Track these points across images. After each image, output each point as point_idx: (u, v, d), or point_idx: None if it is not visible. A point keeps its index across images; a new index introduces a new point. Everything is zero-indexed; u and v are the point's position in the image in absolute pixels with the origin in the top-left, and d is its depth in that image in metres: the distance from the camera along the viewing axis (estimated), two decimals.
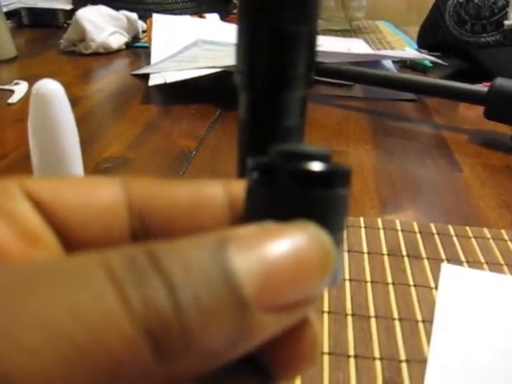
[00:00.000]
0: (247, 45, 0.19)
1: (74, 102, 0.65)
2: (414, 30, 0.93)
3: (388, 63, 0.84)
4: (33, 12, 1.09)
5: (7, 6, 1.06)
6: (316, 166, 0.12)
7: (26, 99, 0.66)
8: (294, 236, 0.11)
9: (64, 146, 0.31)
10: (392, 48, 1.00)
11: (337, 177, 0.12)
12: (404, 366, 0.28)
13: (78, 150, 0.33)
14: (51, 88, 0.30)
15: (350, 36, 1.09)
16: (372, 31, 1.16)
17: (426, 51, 0.91)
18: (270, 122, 0.20)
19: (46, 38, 1.02)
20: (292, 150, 0.12)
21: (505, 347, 0.29)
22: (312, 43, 0.19)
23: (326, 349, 0.28)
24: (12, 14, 1.07)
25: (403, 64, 0.87)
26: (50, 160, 0.32)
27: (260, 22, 0.18)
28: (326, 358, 0.28)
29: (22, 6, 1.09)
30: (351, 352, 0.28)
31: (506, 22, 0.75)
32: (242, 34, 0.19)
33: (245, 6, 0.18)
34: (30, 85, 0.70)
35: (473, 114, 0.66)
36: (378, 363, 0.28)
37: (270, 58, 0.18)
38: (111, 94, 0.70)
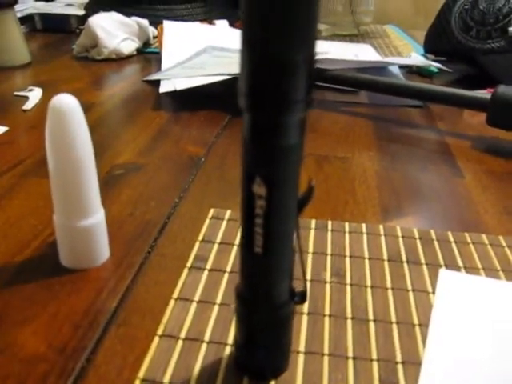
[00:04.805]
0: (249, 71, 0.20)
1: (87, 108, 0.67)
2: (421, 34, 0.94)
3: (394, 69, 0.85)
4: (46, 17, 1.12)
5: (21, 11, 1.09)
6: None
7: (40, 106, 0.68)
8: None
9: (78, 155, 0.33)
10: (399, 53, 1.01)
11: None
12: (400, 367, 0.29)
13: (91, 159, 0.35)
14: (67, 103, 0.32)
15: (358, 41, 1.11)
16: (379, 36, 1.17)
17: (432, 56, 0.92)
18: (270, 141, 0.22)
19: (59, 43, 1.04)
20: None
21: (498, 352, 0.30)
22: (311, 68, 0.20)
23: (326, 350, 0.30)
24: (25, 19, 1.09)
25: (409, 69, 0.89)
26: (65, 168, 0.34)
27: (261, 52, 0.20)
28: (325, 358, 0.29)
29: (35, 11, 1.11)
30: (350, 354, 0.30)
31: (511, 29, 0.76)
32: (244, 61, 0.20)
33: (245, 36, 0.20)
34: (44, 91, 0.73)
35: (476, 120, 0.67)
36: (375, 364, 0.29)
37: (271, 84, 0.20)
38: (123, 100, 0.72)
